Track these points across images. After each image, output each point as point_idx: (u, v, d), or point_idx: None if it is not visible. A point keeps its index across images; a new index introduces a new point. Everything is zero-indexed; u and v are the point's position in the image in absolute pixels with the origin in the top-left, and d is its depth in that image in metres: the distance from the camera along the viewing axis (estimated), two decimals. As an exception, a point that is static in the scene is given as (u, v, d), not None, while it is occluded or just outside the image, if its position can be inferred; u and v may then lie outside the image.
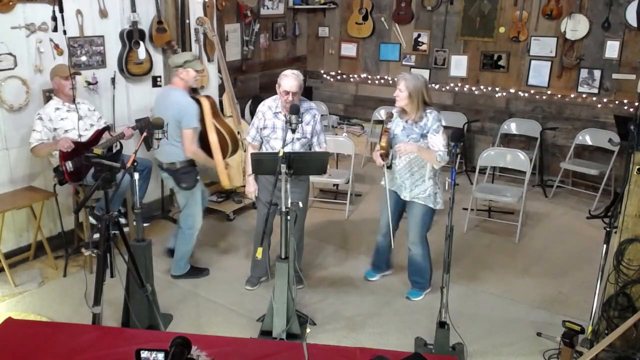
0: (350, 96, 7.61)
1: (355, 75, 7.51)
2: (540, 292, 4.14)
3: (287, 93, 3.64)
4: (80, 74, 4.25)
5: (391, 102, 7.22)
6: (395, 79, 3.80)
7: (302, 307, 3.78)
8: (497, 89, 6.56)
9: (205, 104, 4.21)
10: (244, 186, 4.20)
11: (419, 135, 3.68)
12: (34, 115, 4.15)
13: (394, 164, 3.78)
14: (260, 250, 3.27)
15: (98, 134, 4.23)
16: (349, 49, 7.49)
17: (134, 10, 4.81)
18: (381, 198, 4.04)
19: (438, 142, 3.65)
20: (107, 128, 4.40)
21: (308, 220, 4.29)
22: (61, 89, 4.14)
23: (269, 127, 3.84)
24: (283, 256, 3.33)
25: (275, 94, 3.89)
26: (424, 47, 6.93)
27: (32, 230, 4.39)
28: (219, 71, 5.60)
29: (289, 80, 3.64)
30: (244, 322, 3.72)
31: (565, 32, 5.97)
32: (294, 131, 3.38)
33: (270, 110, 3.84)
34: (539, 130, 6.18)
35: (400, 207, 4.00)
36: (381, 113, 6.90)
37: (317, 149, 3.89)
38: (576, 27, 5.91)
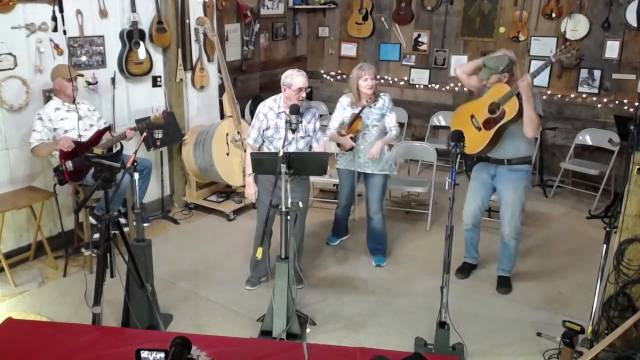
0: (350, 96, 7.60)
1: (355, 75, 7.50)
2: (540, 292, 4.14)
3: (301, 89, 3.72)
4: (82, 75, 4.24)
5: (392, 102, 7.25)
6: (360, 70, 4.14)
7: (302, 307, 3.78)
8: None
9: None
10: (244, 186, 4.21)
11: (379, 115, 4.21)
12: (34, 115, 4.15)
13: (357, 145, 4.24)
14: (260, 250, 3.27)
15: (99, 134, 4.23)
16: (349, 49, 7.49)
17: (134, 10, 4.81)
18: (340, 178, 4.54)
19: (393, 119, 4.26)
20: (108, 128, 4.40)
21: (308, 220, 4.29)
22: (63, 90, 4.14)
23: (272, 127, 3.85)
24: (283, 256, 3.33)
25: (275, 93, 3.91)
26: (424, 47, 6.93)
27: (32, 230, 4.39)
28: (219, 71, 5.60)
29: (300, 77, 3.73)
30: (244, 322, 3.72)
31: (565, 32, 5.97)
32: (294, 131, 3.41)
33: (272, 110, 3.85)
34: (538, 130, 6.17)
35: (353, 184, 4.48)
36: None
37: (315, 145, 3.94)
38: (576, 27, 5.92)
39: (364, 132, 4.21)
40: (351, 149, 4.23)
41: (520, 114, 3.66)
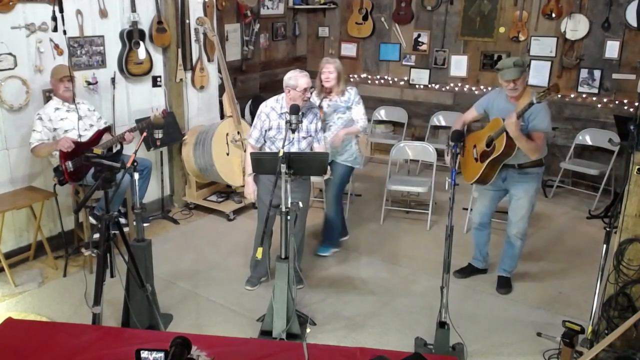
0: (350, 96, 7.60)
1: (355, 75, 7.50)
2: (540, 292, 4.14)
3: (306, 90, 3.74)
4: (73, 77, 4.17)
5: (391, 102, 7.30)
6: (321, 63, 4.30)
7: (302, 307, 3.78)
8: (497, 89, 6.55)
9: None
10: (244, 186, 4.21)
11: (345, 108, 4.33)
12: (34, 115, 4.15)
13: (325, 136, 4.30)
14: (260, 250, 3.26)
15: (99, 134, 4.23)
16: (349, 49, 7.49)
17: (134, 10, 4.81)
18: None
19: (360, 112, 4.40)
20: (108, 128, 4.40)
21: (308, 220, 4.29)
22: (55, 90, 4.16)
23: (274, 128, 3.85)
24: (283, 256, 3.33)
25: (275, 93, 3.91)
26: (424, 47, 6.93)
27: (32, 230, 4.39)
28: (219, 71, 5.60)
29: (304, 78, 3.75)
30: (244, 322, 3.72)
31: (565, 32, 5.97)
32: (294, 131, 3.42)
33: (275, 111, 3.85)
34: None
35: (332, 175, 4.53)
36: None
37: (316, 144, 3.93)
38: (576, 27, 5.92)
39: (329, 123, 4.33)
40: None
41: (510, 148, 3.64)
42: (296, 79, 3.73)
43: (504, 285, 4.14)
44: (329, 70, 4.23)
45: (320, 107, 4.25)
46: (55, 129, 4.12)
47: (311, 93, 3.86)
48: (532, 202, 3.96)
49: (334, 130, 4.32)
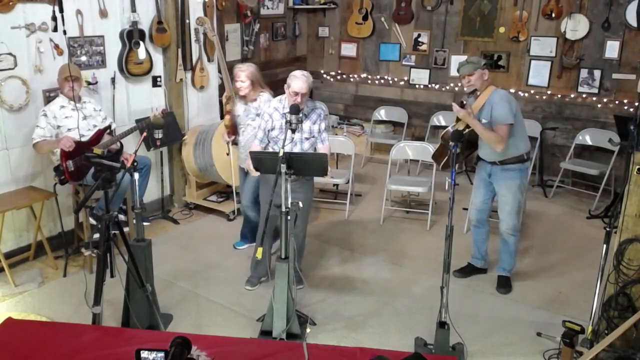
0: (350, 96, 7.61)
1: (355, 75, 7.50)
2: (540, 292, 4.14)
3: (297, 94, 3.67)
4: (78, 78, 4.18)
5: (391, 102, 7.30)
6: (235, 72, 4.25)
7: (302, 307, 3.78)
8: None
9: None
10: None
11: (254, 115, 4.26)
12: (34, 115, 4.17)
13: (239, 140, 4.40)
14: (260, 250, 3.27)
15: (99, 134, 4.24)
16: (349, 49, 7.49)
17: (134, 10, 4.81)
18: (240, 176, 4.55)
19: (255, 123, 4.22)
20: (108, 127, 4.40)
21: (308, 220, 4.29)
22: (61, 89, 4.17)
23: (277, 128, 3.84)
24: (283, 256, 3.33)
25: (277, 94, 3.91)
26: (424, 47, 6.93)
27: (32, 230, 4.39)
28: (219, 71, 5.59)
29: (299, 82, 3.67)
30: (244, 322, 3.72)
31: (565, 32, 5.97)
32: (294, 131, 3.39)
33: (278, 111, 3.84)
34: (539, 130, 6.18)
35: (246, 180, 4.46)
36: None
37: (319, 145, 3.91)
38: (576, 27, 5.91)
39: (242, 128, 4.36)
40: (235, 143, 4.49)
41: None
42: (293, 79, 3.70)
43: (504, 284, 4.14)
44: (241, 79, 4.19)
45: (229, 111, 4.33)
46: (58, 127, 4.13)
47: (303, 98, 3.71)
48: (518, 198, 4.00)
49: (247, 138, 4.29)
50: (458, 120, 3.96)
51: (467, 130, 3.87)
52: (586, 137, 6.00)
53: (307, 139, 3.83)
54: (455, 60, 6.71)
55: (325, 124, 3.99)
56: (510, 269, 4.18)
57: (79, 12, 4.49)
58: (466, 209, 5.23)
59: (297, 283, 3.80)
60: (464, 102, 3.86)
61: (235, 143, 4.53)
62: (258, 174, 3.80)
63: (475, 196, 4.23)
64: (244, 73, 4.19)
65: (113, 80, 4.84)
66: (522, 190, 4.02)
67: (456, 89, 6.82)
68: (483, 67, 3.85)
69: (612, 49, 5.81)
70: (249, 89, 4.23)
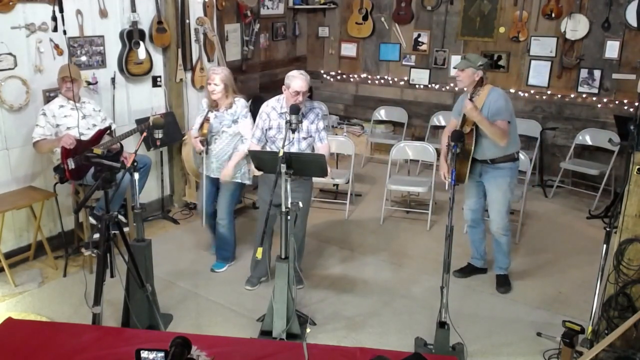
0: (350, 96, 7.61)
1: (355, 75, 7.50)
2: (540, 292, 4.14)
3: (298, 93, 3.66)
4: (73, 79, 4.16)
5: (391, 102, 7.30)
6: (208, 74, 4.10)
7: (302, 307, 3.78)
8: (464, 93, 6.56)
9: None
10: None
11: (230, 121, 4.06)
12: (34, 115, 4.17)
13: (210, 149, 4.13)
14: (260, 250, 3.26)
15: (100, 134, 4.24)
16: (349, 49, 7.49)
17: (134, 10, 4.81)
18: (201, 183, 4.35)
19: (246, 127, 4.04)
20: (109, 128, 4.40)
21: (308, 220, 4.29)
22: (60, 88, 4.18)
23: (274, 127, 3.84)
24: (283, 256, 3.33)
25: (277, 94, 3.90)
26: (424, 47, 6.93)
27: (32, 230, 4.39)
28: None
29: (299, 81, 3.66)
30: (244, 322, 3.72)
31: (565, 32, 5.97)
32: (294, 131, 3.40)
33: (275, 110, 3.85)
34: (539, 130, 6.18)
35: (215, 189, 4.29)
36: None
37: (318, 144, 3.90)
38: (576, 27, 5.91)
39: (214, 136, 4.09)
40: (206, 152, 4.13)
41: (470, 138, 3.84)
42: (292, 78, 3.69)
43: (503, 283, 4.15)
44: (215, 82, 3.98)
45: (207, 118, 4.05)
46: (58, 125, 4.14)
47: (304, 97, 3.71)
48: (507, 197, 4.01)
49: (221, 146, 4.10)
50: (463, 123, 3.93)
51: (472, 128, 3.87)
52: (586, 137, 6.00)
53: (304, 138, 3.83)
54: (455, 60, 6.71)
55: (324, 123, 3.98)
56: (506, 267, 4.19)
57: (79, 12, 4.49)
58: (466, 209, 5.23)
59: (297, 283, 3.80)
60: (472, 98, 3.84)
61: (206, 152, 4.15)
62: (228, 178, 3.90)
63: (467, 197, 4.24)
64: (219, 76, 3.98)
65: (113, 80, 4.84)
66: (512, 189, 4.03)
67: (456, 89, 6.81)
68: (478, 67, 3.83)
69: (612, 49, 5.81)
70: (222, 94, 4.01)
